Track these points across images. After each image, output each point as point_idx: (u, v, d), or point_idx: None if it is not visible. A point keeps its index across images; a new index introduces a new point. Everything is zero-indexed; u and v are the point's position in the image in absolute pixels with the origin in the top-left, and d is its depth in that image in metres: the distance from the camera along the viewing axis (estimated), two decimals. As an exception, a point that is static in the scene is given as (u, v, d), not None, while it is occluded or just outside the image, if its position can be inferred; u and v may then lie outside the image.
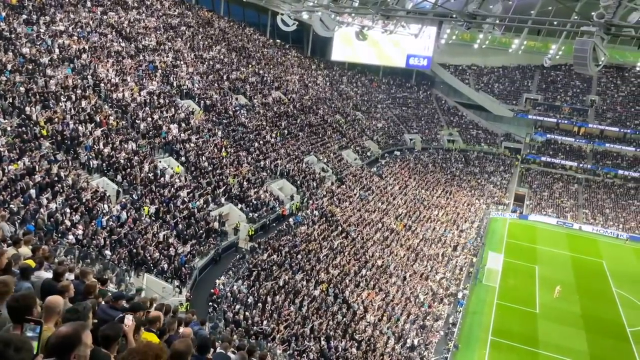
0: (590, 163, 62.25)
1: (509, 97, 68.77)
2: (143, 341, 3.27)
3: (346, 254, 32.38)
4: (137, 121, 30.31)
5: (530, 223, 52.35)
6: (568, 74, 69.61)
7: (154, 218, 24.97)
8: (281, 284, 26.14)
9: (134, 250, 22.02)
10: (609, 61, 68.09)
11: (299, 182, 37.61)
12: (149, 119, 31.19)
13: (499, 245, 44.72)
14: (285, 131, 42.95)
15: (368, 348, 24.78)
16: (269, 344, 20.84)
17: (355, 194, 41.23)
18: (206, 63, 43.12)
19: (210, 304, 22.77)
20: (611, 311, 34.05)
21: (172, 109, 33.62)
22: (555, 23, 23.47)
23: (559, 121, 65.15)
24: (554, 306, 33.71)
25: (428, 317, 30.13)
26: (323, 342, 23.41)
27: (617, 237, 50.55)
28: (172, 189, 27.38)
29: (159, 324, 5.24)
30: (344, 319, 26.07)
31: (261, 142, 38.75)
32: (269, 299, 24.43)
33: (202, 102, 37.46)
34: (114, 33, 36.94)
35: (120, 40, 36.62)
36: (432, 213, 45.79)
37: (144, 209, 24.73)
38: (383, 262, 33.64)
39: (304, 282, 27.34)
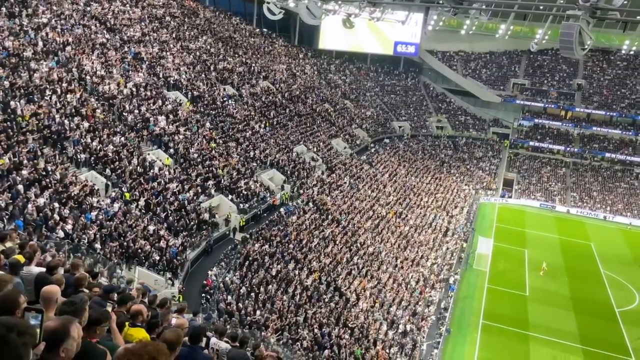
0: (578, 147, 62.83)
1: (497, 82, 69.01)
2: (141, 340, 3.24)
3: (337, 242, 32.51)
4: (124, 114, 30.04)
5: (519, 207, 52.83)
6: (554, 58, 69.91)
7: (144, 211, 24.86)
8: (274, 274, 26.21)
9: (125, 244, 21.94)
10: (594, 45, 68.32)
11: (289, 171, 37.58)
12: (136, 111, 30.92)
13: (489, 230, 45.13)
14: (274, 121, 42.81)
15: (361, 335, 25.00)
16: (262, 334, 20.95)
17: (345, 183, 41.30)
18: (192, 54, 42.73)
19: (203, 295, 22.79)
20: (600, 292, 34.59)
21: (160, 101, 33.33)
22: (541, 7, 23.54)
23: (546, 106, 65.58)
24: (544, 288, 34.17)
25: (420, 303, 30.42)
26: (316, 330, 23.57)
27: (604, 220, 51.19)
28: (162, 181, 27.25)
29: (142, 317, 5.19)
30: (337, 307, 26.24)
31: (250, 132, 38.61)
32: (262, 289, 24.50)
33: (190, 93, 37.17)
34: (98, 25, 36.44)
35: (105, 32, 36.14)
36: (422, 200, 46.03)
37: (124, 195, 24.53)
38: (374, 249, 33.83)
39: (296, 272, 27.44)
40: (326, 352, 22.23)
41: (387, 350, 24.65)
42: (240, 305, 22.57)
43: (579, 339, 28.54)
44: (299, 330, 22.98)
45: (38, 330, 2.40)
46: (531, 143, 64.12)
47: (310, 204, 35.26)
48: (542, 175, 59.66)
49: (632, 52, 67.72)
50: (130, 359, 2.49)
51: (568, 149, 62.71)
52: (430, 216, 43.32)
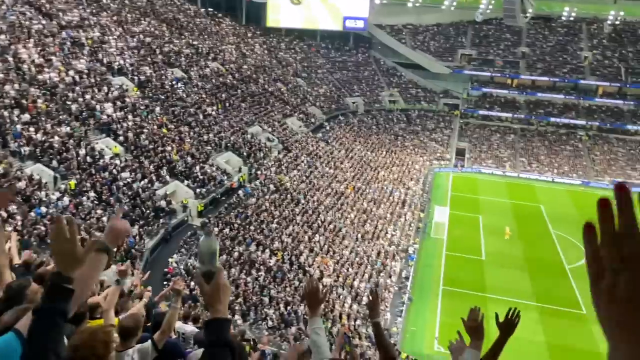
0: (525, 113, 64.93)
1: (445, 54, 70.06)
2: (87, 329, 3.12)
3: (298, 221, 32.64)
4: (67, 103, 28.81)
5: (472, 175, 54.38)
6: (499, 27, 71.51)
7: (96, 202, 24.13)
8: (236, 257, 26.13)
9: (79, 237, 21.23)
10: (536, 12, 70.51)
11: (245, 153, 37.21)
12: (80, 99, 29.72)
13: (444, 199, 46.31)
14: (227, 103, 42.11)
15: (326, 310, 25.37)
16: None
17: (302, 162, 41.30)
18: (136, 37, 41.24)
19: (164, 282, 22.46)
20: (551, 251, 36.26)
21: (105, 88, 32.14)
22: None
23: (493, 75, 67.25)
24: (499, 252, 35.51)
25: (382, 275, 31.07)
26: (282, 309, 23.76)
27: (552, 182, 53.39)
28: (114, 170, 26.47)
29: (101, 309, 5.07)
30: (301, 284, 26.48)
31: (202, 115, 37.86)
32: (225, 273, 24.36)
33: (136, 78, 35.98)
34: (32, 10, 34.54)
35: (41, 18, 34.32)
36: (379, 174, 46.66)
37: (69, 185, 23.73)
38: (335, 226, 34.17)
39: (259, 253, 27.44)
40: (293, 328, 22.49)
41: (353, 323, 25.16)
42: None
43: (534, 297, 29.93)
44: (264, 310, 23.10)
45: None
46: (480, 112, 65.78)
47: (272, 187, 35.14)
48: (492, 143, 61.48)
49: (572, 18, 70.08)
50: (84, 350, 2.40)
51: (515, 115, 64.77)
52: (388, 189, 44.01)
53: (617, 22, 68.54)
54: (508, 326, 3.12)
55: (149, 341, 3.82)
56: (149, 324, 5.17)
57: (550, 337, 25.68)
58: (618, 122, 61.88)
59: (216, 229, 27.73)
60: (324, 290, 3.35)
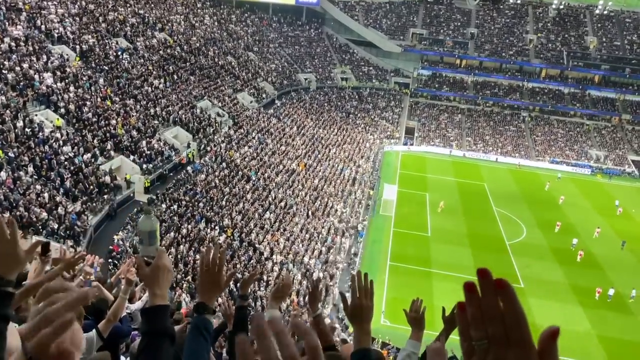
0: (472, 93, 66.65)
1: (397, 32, 70.51)
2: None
3: (249, 198, 32.44)
4: (3, 72, 27.07)
5: (420, 154, 55.57)
6: (449, 8, 72.63)
7: (36, 177, 23.03)
8: (184, 234, 25.74)
9: (18, 213, 20.30)
10: (485, -5, 72.03)
11: (194, 128, 36.38)
12: (18, 68, 27.98)
13: (393, 177, 47.21)
14: (175, 76, 40.83)
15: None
16: (176, 294, 20.71)
17: (254, 138, 40.85)
18: (78, 3, 39.05)
19: (110, 260, 21.90)
20: (492, 228, 37.84)
21: (44, 56, 30.39)
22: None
23: (443, 55, 68.41)
24: (443, 228, 36.70)
25: (331, 251, 31.49)
26: (232, 286, 23.69)
27: (496, 161, 55.37)
28: (54, 144, 25.26)
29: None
30: (251, 261, 26.48)
31: (149, 88, 36.59)
32: (173, 250, 24.03)
33: (78, 47, 34.21)
34: (-41, -31, 31.99)
35: (-31, -22, 31.86)
36: (331, 151, 46.87)
37: None
38: (286, 203, 34.20)
39: (208, 230, 27.14)
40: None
41: (302, 299, 25.45)
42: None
43: (475, 271, 31.18)
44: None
45: None
46: (430, 91, 67.02)
47: (224, 165, 34.59)
48: (440, 122, 62.90)
49: (519, 1, 71.97)
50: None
51: (463, 96, 66.40)
52: (339, 167, 44.34)
53: (562, 7, 71.04)
54: (453, 320, 3.27)
55: (94, 330, 3.73)
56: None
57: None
58: (559, 104, 64.70)
59: (164, 206, 27.15)
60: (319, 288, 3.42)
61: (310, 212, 34.71)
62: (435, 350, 2.75)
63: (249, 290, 23.74)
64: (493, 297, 0.82)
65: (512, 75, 67.05)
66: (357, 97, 64.72)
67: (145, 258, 2.02)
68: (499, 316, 0.82)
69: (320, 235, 32.75)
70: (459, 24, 71.47)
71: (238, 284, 22.89)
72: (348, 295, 2.43)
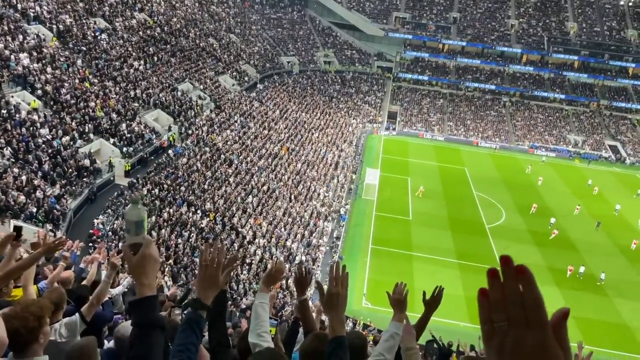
0: (454, 78, 66.92)
1: (380, 16, 70.20)
2: (21, 303, 3.01)
3: (231, 182, 32.31)
4: (-24, 51, 26.36)
5: (402, 138, 55.82)
6: (433, -8, 72.47)
7: (13, 160, 22.58)
8: (165, 218, 25.60)
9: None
10: (468, -21, 71.93)
11: (175, 111, 35.94)
12: (-9, 48, 27.25)
13: (376, 161, 47.40)
14: (155, 58, 40.15)
15: (259, 269, 25.64)
16: (157, 277, 20.64)
17: (236, 121, 40.54)
18: (53, -19, 37.96)
19: (90, 244, 21.70)
20: (472, 212, 38.36)
21: (20, 36, 29.58)
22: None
23: (426, 39, 68.39)
24: (425, 212, 37.09)
25: (314, 235, 31.65)
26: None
27: (477, 146, 55.92)
28: (32, 127, 24.75)
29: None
30: (234, 245, 26.49)
31: (130, 70, 35.94)
32: (154, 234, 23.89)
33: (55, 27, 33.37)
34: None
35: (-61, -47, 30.71)
36: (313, 135, 46.78)
37: None
38: (268, 187, 34.16)
39: (190, 214, 27.02)
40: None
41: (285, 282, 25.61)
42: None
43: (455, 255, 31.73)
44: (195, 271, 22.95)
45: None
46: (412, 76, 67.08)
47: (206, 149, 34.29)
48: (422, 107, 63.13)
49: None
50: (15, 324, 2.36)
51: (445, 80, 66.63)
52: (322, 151, 44.33)
53: (543, -8, 71.42)
54: (433, 302, 3.57)
55: (77, 315, 3.74)
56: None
57: (468, 291, 27.42)
58: (539, 89, 65.39)
59: (145, 190, 26.91)
60: (306, 275, 3.50)
61: (293, 196, 34.74)
62: (406, 329, 2.87)
63: (231, 274, 23.80)
64: (514, 282, 0.88)
65: (494, 60, 67.43)
66: (340, 81, 64.50)
67: (132, 247, 2.01)
68: (519, 299, 0.88)
69: (303, 219, 32.86)
70: (441, 8, 71.39)
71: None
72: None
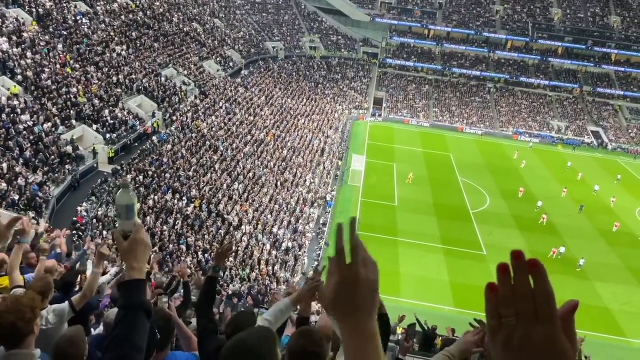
0: (439, 64, 67.00)
1: (365, 1, 69.77)
2: (10, 297, 2.99)
3: (216, 168, 32.14)
4: (-48, 35, 25.72)
5: (388, 124, 55.91)
6: (419, -23, 72.04)
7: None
8: (150, 205, 25.42)
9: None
10: (454, -36, 71.69)
11: (159, 97, 35.51)
12: (-32, 32, 26.60)
13: (361, 147, 47.45)
14: (138, 42, 39.51)
15: (245, 256, 25.66)
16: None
17: (221, 107, 40.20)
18: (32, -37, 37.02)
19: (74, 232, 21.49)
20: (457, 197, 38.70)
21: (-3, 20, 28.92)
22: None
23: (411, 24, 68.22)
24: (410, 198, 37.33)
25: (300, 221, 31.70)
26: (200, 256, 23.70)
27: (462, 132, 56.27)
28: (12, 113, 24.29)
29: (7, 265, 4.83)
30: (220, 232, 26.44)
31: (113, 54, 35.36)
32: (138, 221, 23.69)
33: (34, 10, 32.62)
34: None
35: None
36: (299, 122, 46.62)
37: None
38: (254, 173, 34.06)
39: (175, 201, 26.86)
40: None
41: (270, 268, 25.70)
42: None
43: (440, 240, 32.04)
44: (181, 258, 22.91)
45: None
46: (398, 62, 66.99)
47: (190, 135, 34.00)
48: (408, 93, 63.20)
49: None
50: (10, 318, 2.36)
51: (430, 66, 66.68)
52: (307, 137, 44.24)
53: (528, -22, 71.47)
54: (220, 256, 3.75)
55: (66, 303, 3.74)
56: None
57: (453, 276, 27.79)
58: (523, 75, 65.80)
59: (129, 176, 26.66)
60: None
61: (279, 183, 34.69)
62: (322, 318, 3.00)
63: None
64: (525, 276, 0.88)
65: (479, 46, 67.59)
66: (325, 66, 64.19)
67: (122, 232, 2.02)
68: (530, 294, 0.88)
69: (289, 206, 32.86)
70: (427, -7, 71.21)
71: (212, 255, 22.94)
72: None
